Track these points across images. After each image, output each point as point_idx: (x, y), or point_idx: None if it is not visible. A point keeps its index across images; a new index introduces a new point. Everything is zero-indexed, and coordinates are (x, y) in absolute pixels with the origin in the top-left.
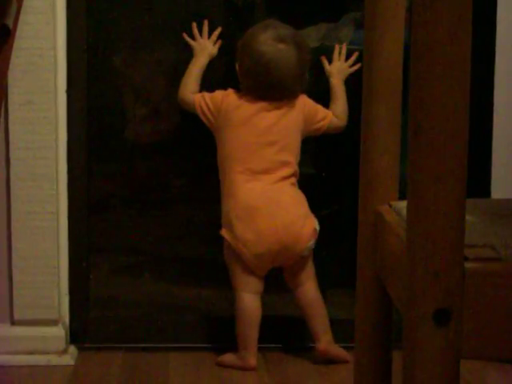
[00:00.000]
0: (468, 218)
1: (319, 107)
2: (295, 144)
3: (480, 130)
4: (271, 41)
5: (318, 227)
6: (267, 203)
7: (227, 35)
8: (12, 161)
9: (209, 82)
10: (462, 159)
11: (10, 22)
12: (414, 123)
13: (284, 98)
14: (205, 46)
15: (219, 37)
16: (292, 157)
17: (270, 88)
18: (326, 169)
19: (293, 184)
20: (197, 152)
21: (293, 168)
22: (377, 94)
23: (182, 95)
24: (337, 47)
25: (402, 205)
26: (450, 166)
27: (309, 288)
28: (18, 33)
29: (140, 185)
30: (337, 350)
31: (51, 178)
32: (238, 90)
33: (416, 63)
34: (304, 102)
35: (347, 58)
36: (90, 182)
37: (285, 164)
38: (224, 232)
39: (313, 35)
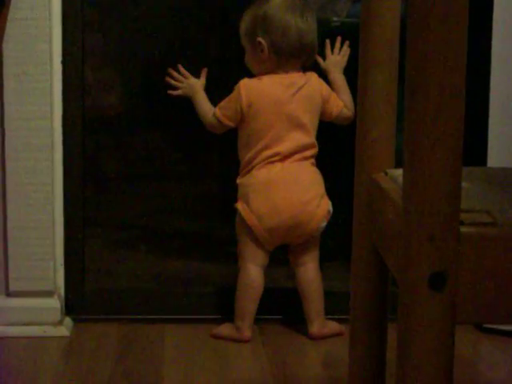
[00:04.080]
0: (464, 184)
1: (333, 92)
2: (316, 123)
3: (476, 100)
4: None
5: (331, 209)
6: (286, 179)
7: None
8: (7, 132)
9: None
10: (459, 123)
11: None
12: (411, 84)
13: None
14: (191, 85)
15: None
16: (314, 138)
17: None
18: (322, 138)
19: (313, 164)
20: (193, 126)
21: (315, 149)
22: (373, 62)
23: (207, 123)
24: (327, 43)
25: (398, 172)
26: (446, 130)
27: (310, 268)
28: (12, 3)
29: (136, 157)
30: (329, 330)
31: (46, 148)
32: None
33: (413, 27)
34: (320, 83)
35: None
36: (85, 153)
37: (309, 147)
38: (239, 205)
39: None
